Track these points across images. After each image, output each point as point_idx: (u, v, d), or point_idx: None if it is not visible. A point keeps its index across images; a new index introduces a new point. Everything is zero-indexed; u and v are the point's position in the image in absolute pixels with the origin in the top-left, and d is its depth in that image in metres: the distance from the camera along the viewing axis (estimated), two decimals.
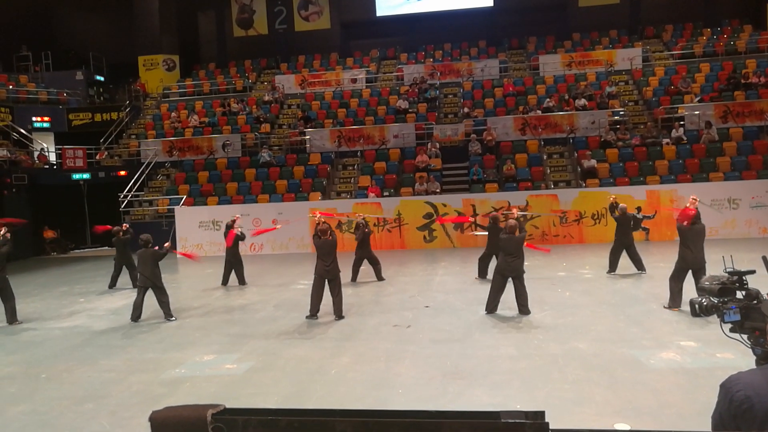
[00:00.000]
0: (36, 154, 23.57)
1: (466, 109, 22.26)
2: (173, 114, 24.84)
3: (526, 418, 1.99)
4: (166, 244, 10.48)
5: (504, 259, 8.96)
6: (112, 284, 13.14)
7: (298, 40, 29.01)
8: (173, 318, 9.71)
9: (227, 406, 2.44)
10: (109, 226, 13.53)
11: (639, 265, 11.72)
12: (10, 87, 25.24)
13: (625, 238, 11.84)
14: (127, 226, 13.44)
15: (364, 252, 12.36)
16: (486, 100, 23.08)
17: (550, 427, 1.88)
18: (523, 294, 8.85)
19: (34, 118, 25.08)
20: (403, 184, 19.37)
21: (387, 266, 14.29)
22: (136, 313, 9.72)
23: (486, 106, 22.66)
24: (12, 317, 10.00)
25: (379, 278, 12.36)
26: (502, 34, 28.16)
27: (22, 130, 23.86)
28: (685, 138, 19.06)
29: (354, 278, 12.25)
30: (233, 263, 12.62)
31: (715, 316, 2.68)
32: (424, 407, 5.14)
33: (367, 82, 25.85)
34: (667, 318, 8.25)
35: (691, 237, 8.74)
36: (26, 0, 28.52)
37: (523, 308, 8.81)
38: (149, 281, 9.69)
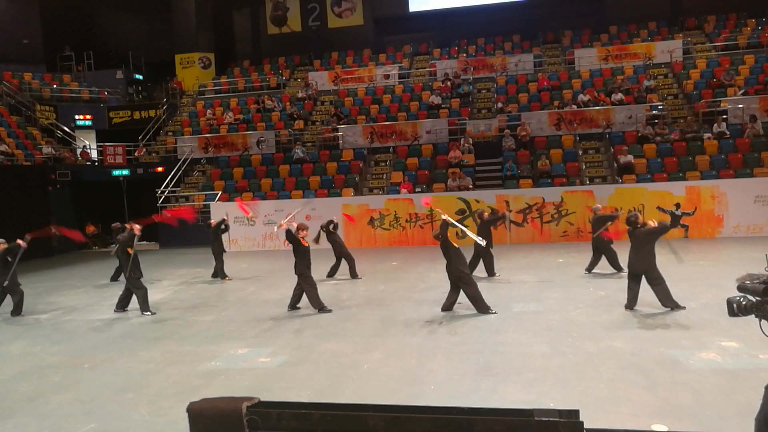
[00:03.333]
0: (79, 151, 24.31)
1: (499, 104, 22.02)
2: (209, 111, 25.28)
3: (560, 417, 1.97)
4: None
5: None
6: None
7: (331, 37, 29.14)
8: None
9: (261, 398, 2.49)
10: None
11: (591, 266, 11.75)
12: (54, 86, 26.10)
13: (595, 240, 11.73)
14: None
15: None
16: (520, 95, 22.80)
17: (585, 426, 1.86)
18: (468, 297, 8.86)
19: (76, 116, 25.90)
20: (435, 180, 19.30)
21: (419, 262, 14.29)
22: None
23: (520, 101, 22.38)
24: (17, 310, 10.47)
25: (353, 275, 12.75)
26: (536, 27, 27.73)
27: (66, 128, 24.64)
28: (727, 132, 18.47)
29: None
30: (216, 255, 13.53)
31: (753, 316, 2.58)
32: (457, 404, 5.13)
33: (399, 78, 25.81)
34: (707, 318, 8.02)
35: (633, 241, 8.57)
36: (69, 1, 29.36)
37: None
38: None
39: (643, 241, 8.43)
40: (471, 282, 8.94)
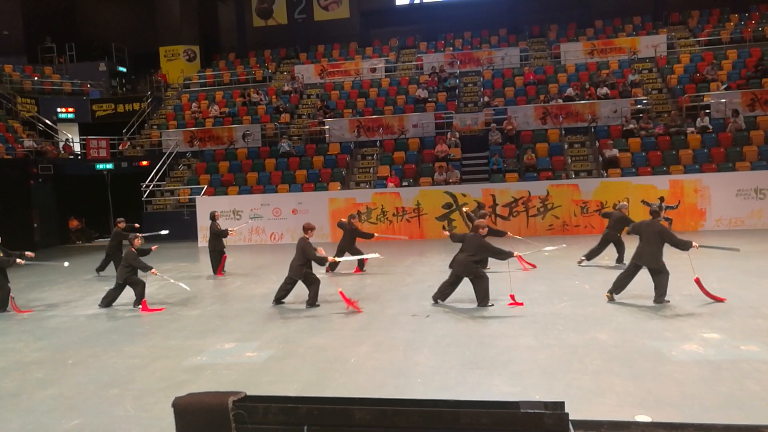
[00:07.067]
0: (61, 144, 23.98)
1: (486, 98, 22.07)
2: (194, 104, 25.05)
3: (546, 408, 2.00)
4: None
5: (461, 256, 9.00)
6: (101, 268, 13.73)
7: (317, 30, 28.99)
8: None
9: (248, 393, 2.48)
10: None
11: (592, 256, 11.91)
12: (36, 78, 25.69)
13: (609, 235, 11.91)
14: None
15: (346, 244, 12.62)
16: (506, 88, 22.86)
17: (570, 417, 1.88)
18: (477, 290, 8.90)
19: (59, 109, 25.53)
20: (422, 173, 19.32)
21: (406, 256, 14.31)
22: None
23: (506, 95, 22.44)
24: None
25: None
26: (522, 21, 27.83)
27: (48, 121, 24.29)
28: (710, 127, 18.69)
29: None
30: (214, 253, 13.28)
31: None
32: (443, 396, 5.16)
33: (386, 72, 25.76)
34: (690, 310, 8.14)
35: (645, 233, 8.70)
36: None
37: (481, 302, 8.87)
38: None
39: (655, 236, 8.49)
40: (485, 276, 8.97)
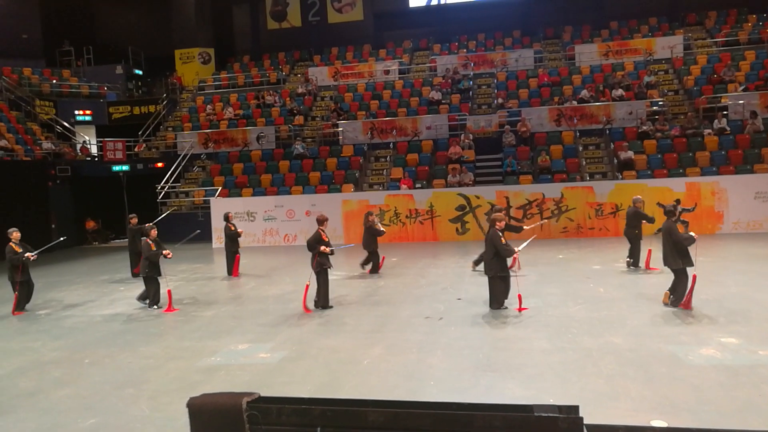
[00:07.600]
0: (78, 146, 24.29)
1: (500, 100, 21.99)
2: (209, 106, 25.25)
3: (560, 412, 1.98)
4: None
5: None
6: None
7: (331, 32, 29.09)
8: None
9: (261, 394, 2.49)
10: None
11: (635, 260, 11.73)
12: (54, 81, 26.06)
13: (627, 233, 11.84)
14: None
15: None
16: (520, 90, 22.76)
17: (584, 421, 1.86)
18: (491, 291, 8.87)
19: (76, 112, 25.90)
20: (435, 175, 19.29)
21: (419, 258, 14.30)
22: None
23: (520, 96, 22.35)
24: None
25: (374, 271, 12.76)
26: (536, 23, 27.69)
27: (66, 123, 24.62)
28: (728, 128, 18.45)
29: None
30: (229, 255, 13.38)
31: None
32: (457, 399, 5.14)
33: (399, 74, 25.78)
34: (706, 314, 8.04)
35: (663, 233, 8.58)
36: None
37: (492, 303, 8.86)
38: None
39: (666, 236, 8.40)
40: (501, 279, 8.94)
